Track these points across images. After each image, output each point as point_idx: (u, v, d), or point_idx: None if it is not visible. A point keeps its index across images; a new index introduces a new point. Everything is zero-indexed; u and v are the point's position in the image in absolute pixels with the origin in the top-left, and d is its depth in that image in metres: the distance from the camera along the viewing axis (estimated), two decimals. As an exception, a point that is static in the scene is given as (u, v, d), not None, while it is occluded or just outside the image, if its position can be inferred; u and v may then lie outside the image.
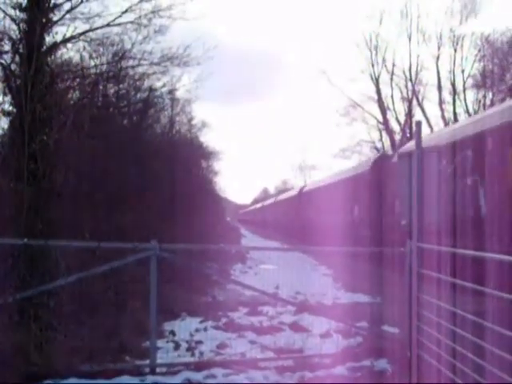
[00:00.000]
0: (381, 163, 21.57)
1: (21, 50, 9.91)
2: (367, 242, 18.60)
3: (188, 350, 8.74)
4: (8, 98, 10.10)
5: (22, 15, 9.91)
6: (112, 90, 18.36)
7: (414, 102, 44.16)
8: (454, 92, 41.62)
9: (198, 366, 7.76)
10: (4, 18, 10.30)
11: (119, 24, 14.16)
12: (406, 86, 44.58)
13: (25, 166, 9.23)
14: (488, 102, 38.52)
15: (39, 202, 9.18)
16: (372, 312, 10.78)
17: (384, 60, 45.23)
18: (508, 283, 6.10)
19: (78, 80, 14.89)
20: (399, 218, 17.40)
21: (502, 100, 32.36)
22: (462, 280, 5.49)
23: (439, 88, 42.43)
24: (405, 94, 44.83)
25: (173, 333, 9.52)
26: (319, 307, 12.05)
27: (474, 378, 4.72)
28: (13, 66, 10.12)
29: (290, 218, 43.00)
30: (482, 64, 40.29)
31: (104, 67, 16.58)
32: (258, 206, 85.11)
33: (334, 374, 7.65)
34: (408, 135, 41.31)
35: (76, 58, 15.26)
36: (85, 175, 12.05)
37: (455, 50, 41.71)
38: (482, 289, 4.85)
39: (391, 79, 45.05)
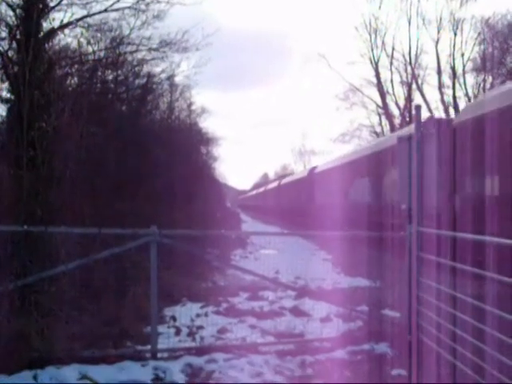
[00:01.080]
0: (311, 172, 37.71)
1: (18, 37, 9.86)
2: (304, 222, 32.51)
3: (189, 335, 8.78)
4: (6, 85, 10.08)
5: (19, 1, 9.87)
6: (111, 76, 18.25)
7: (414, 86, 44.11)
8: (454, 76, 41.54)
9: (199, 351, 7.80)
10: (0, 3, 10.24)
11: (117, 9, 14.10)
12: (406, 70, 44.54)
13: (24, 153, 9.22)
14: (488, 85, 38.42)
15: (39, 189, 9.18)
16: (372, 296, 10.81)
17: (384, 44, 45.17)
18: (508, 266, 6.11)
19: (76, 66, 14.81)
20: (317, 205, 31.47)
21: (502, 83, 32.26)
22: (462, 263, 5.49)
23: (439, 72, 42.37)
24: (404, 78, 44.80)
25: (174, 318, 9.56)
26: (319, 292, 12.08)
27: (474, 362, 4.74)
28: (10, 53, 10.08)
29: (273, 203, 57.51)
30: (481, 47, 40.18)
31: (102, 53, 16.48)
32: (254, 193, 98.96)
33: (334, 358, 7.69)
34: (407, 119, 41.25)
35: (74, 44, 15.17)
36: (84, 162, 12.02)
37: (455, 34, 41.62)
38: (482, 272, 4.85)
39: (391, 63, 45.02)
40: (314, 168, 38.35)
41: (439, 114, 39.42)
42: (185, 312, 9.77)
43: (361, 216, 19.84)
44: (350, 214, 22.15)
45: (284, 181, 54.37)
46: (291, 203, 43.23)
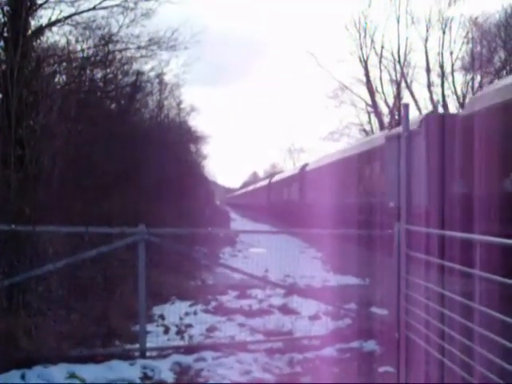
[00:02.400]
0: (271, 180, 54.61)
1: (5, 34, 9.80)
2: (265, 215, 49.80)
3: (178, 333, 8.75)
4: (-7, 83, 10.00)
5: (6, -2, 9.80)
6: (99, 74, 18.19)
7: (403, 84, 44.20)
8: (443, 74, 41.66)
9: (188, 350, 7.79)
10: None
11: (105, 7, 14.09)
12: (395, 69, 44.63)
13: (12, 151, 9.17)
14: (476, 84, 38.60)
15: (26, 188, 9.13)
16: (360, 294, 10.83)
17: (373, 42, 45.23)
18: (496, 265, 6.13)
19: (64, 64, 14.74)
20: (272, 204, 53.28)
21: (490, 82, 32.38)
22: (450, 262, 5.50)
23: (428, 70, 42.52)
24: (393, 77, 44.87)
25: (162, 317, 9.53)
26: (308, 290, 12.09)
27: (462, 359, 4.75)
28: (-3, 51, 10.01)
29: (249, 202, 75.26)
30: (470, 46, 40.31)
31: (91, 51, 16.43)
32: (241, 191, 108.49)
33: (322, 356, 7.70)
34: (396, 117, 41.34)
35: (62, 42, 15.11)
36: (72, 160, 11.97)
37: (444, 33, 41.75)
38: (471, 271, 4.86)
39: (380, 61, 45.09)
40: (272, 177, 57.59)
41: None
42: (173, 310, 9.75)
43: (288, 209, 36.21)
44: (286, 208, 39.60)
45: (257, 185, 72.49)
46: (261, 202, 59.96)
